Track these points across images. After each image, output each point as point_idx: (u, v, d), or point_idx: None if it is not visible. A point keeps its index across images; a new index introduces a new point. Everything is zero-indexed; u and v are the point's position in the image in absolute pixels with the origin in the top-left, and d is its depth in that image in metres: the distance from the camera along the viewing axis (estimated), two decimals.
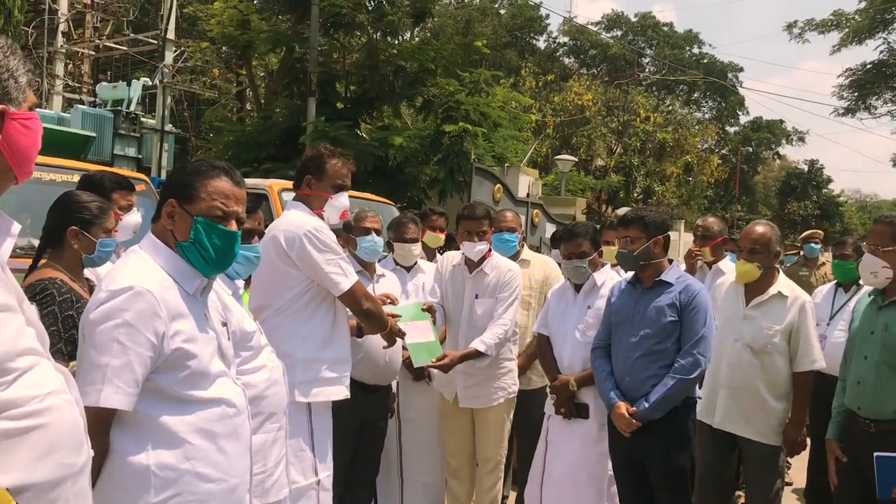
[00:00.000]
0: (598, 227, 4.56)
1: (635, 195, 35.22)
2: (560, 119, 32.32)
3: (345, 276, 3.32)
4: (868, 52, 37.86)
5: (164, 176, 14.38)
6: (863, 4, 21.40)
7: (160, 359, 2.00)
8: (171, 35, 14.92)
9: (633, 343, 3.70)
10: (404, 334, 3.82)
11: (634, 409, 3.63)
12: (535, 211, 13.30)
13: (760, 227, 4.02)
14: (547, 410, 4.14)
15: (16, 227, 1.53)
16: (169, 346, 2.00)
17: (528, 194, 13.46)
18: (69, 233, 2.70)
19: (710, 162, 39.22)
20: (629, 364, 3.70)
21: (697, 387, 3.82)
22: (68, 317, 2.48)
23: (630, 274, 3.90)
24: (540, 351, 4.28)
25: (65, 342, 2.48)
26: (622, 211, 5.12)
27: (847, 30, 21.74)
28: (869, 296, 3.52)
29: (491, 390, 4.32)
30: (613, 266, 4.87)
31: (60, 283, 2.55)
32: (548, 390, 4.15)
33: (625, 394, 3.70)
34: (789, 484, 4.83)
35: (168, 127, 15.24)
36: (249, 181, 7.97)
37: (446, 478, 4.61)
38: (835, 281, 5.31)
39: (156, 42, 15.29)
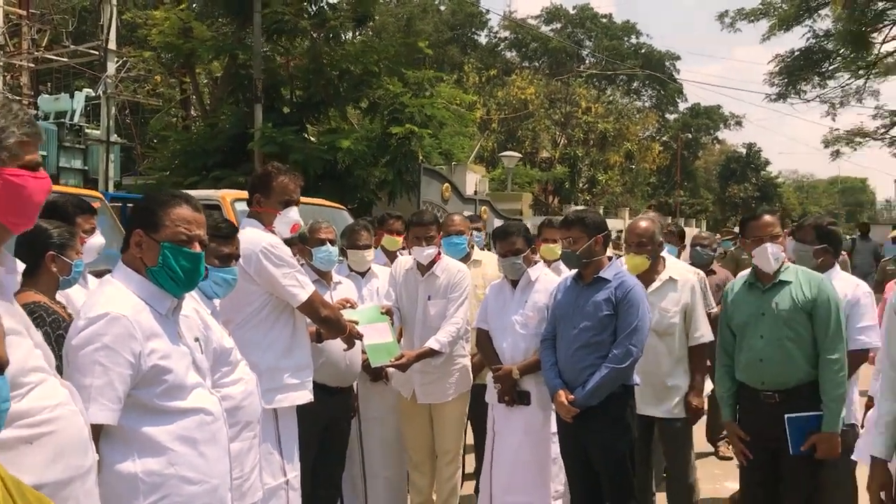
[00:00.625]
0: (530, 224, 4.86)
1: (580, 185, 35.86)
2: (504, 114, 32.71)
3: (301, 288, 3.54)
4: (797, 39, 39.09)
5: (111, 188, 14.30)
6: None
7: (139, 376, 2.20)
8: (111, 45, 14.79)
9: (574, 335, 3.96)
10: (362, 337, 4.05)
11: (573, 396, 3.90)
12: (483, 207, 13.58)
13: (644, 223, 4.41)
14: (489, 400, 4.39)
15: (20, 266, 1.74)
16: (146, 364, 2.21)
17: (475, 191, 13.74)
18: (47, 257, 2.86)
19: (652, 149, 40.09)
20: (570, 355, 3.97)
21: (636, 375, 4.12)
22: (60, 336, 2.66)
23: (572, 271, 4.20)
24: (480, 345, 4.54)
25: (60, 359, 2.65)
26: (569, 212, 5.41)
27: (775, 19, 22.50)
28: (745, 283, 3.86)
29: (446, 386, 4.57)
30: (555, 262, 5.18)
31: (46, 306, 2.72)
32: (491, 380, 4.40)
33: (566, 383, 3.96)
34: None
35: (113, 137, 15.12)
36: (202, 192, 8.10)
37: (408, 471, 4.84)
38: None
39: (97, 53, 15.15)
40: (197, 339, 2.45)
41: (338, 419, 4.50)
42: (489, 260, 5.26)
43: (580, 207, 4.56)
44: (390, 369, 4.54)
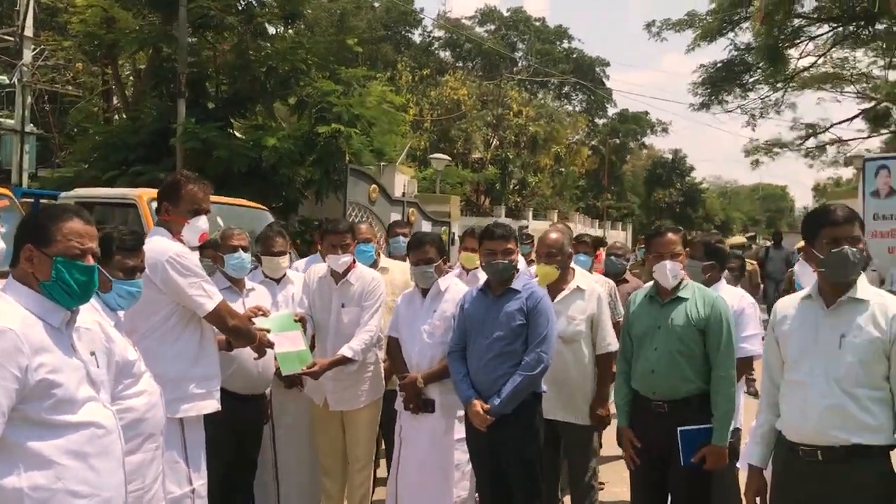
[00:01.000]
0: (458, 226, 4.93)
1: (511, 187, 36.24)
2: (437, 114, 32.81)
3: (208, 298, 3.53)
4: (720, 50, 40.35)
5: (26, 180, 13.83)
6: (713, 6, 22.90)
7: (25, 390, 2.17)
8: (28, 31, 14.28)
9: (487, 345, 4.05)
10: (273, 345, 4.05)
11: (488, 406, 3.99)
12: (412, 209, 13.61)
13: (554, 234, 4.58)
14: (397, 407, 4.46)
15: None
16: (33, 378, 2.18)
17: (403, 193, 13.75)
18: None
19: (581, 153, 40.79)
20: (483, 365, 4.05)
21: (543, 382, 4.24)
22: None
23: (480, 282, 4.29)
24: (390, 352, 4.61)
25: None
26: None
27: (699, 30, 23.18)
28: (646, 296, 4.03)
29: (358, 393, 4.61)
30: (473, 270, 5.27)
31: None
32: (398, 388, 4.47)
33: (480, 392, 4.04)
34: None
35: (29, 127, 14.62)
36: (118, 191, 7.95)
37: (320, 477, 4.85)
38: None
39: (13, 39, 14.60)
40: (93, 353, 2.42)
41: (250, 426, 4.50)
42: (396, 267, 5.31)
43: (501, 219, 4.64)
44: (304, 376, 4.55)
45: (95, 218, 7.70)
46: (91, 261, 2.35)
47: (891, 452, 2.88)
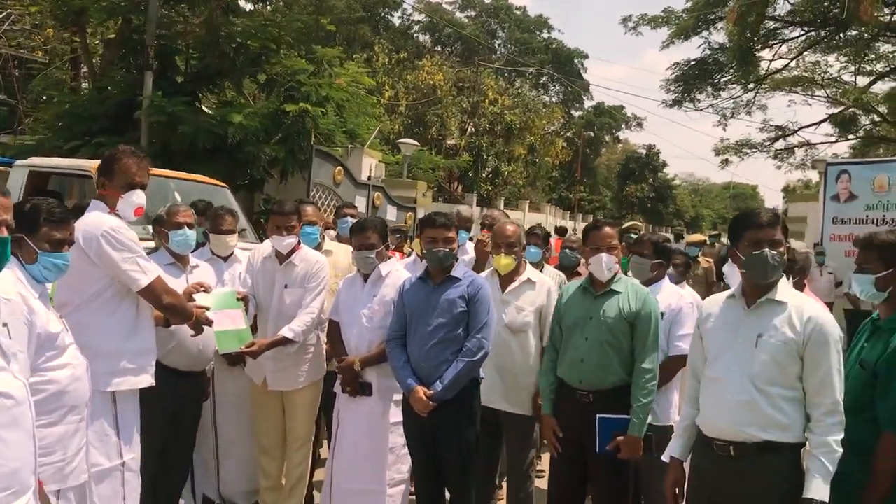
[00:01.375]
0: (423, 212, 4.98)
1: (484, 175, 36.30)
2: (412, 98, 32.72)
3: (143, 273, 3.53)
4: (694, 48, 40.60)
5: None
6: (689, 4, 23.04)
7: None
8: None
9: (428, 332, 4.10)
10: (211, 323, 4.06)
11: (431, 391, 4.05)
12: (377, 194, 13.59)
13: (511, 227, 4.65)
14: (336, 390, 4.52)
15: None
16: None
17: (369, 177, 13.71)
18: None
19: (556, 144, 40.91)
20: (425, 352, 4.11)
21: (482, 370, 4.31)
22: None
23: (420, 270, 4.35)
24: (330, 335, 4.65)
25: None
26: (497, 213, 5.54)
27: (675, 27, 23.31)
28: (580, 287, 4.12)
29: (298, 374, 4.65)
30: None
31: None
32: (336, 371, 4.52)
33: (421, 379, 4.10)
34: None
35: None
36: (74, 162, 7.87)
37: (259, 456, 4.88)
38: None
39: None
40: (5, 324, 2.42)
41: (188, 403, 4.53)
42: (341, 250, 5.35)
43: (439, 211, 4.71)
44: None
45: (51, 187, 7.66)
46: (4, 232, 2.34)
47: (801, 450, 2.97)
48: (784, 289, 3.04)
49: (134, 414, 3.68)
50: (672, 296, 4.55)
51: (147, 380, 3.70)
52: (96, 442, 3.43)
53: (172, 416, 4.37)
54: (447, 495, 4.29)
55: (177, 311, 3.75)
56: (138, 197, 3.60)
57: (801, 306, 2.97)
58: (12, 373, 2.36)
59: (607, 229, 4.09)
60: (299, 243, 4.67)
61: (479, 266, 5.10)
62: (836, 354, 2.90)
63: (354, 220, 5.22)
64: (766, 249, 2.96)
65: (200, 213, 5.14)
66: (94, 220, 3.50)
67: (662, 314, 4.20)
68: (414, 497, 4.48)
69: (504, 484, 5.14)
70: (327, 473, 4.50)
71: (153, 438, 3.98)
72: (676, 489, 3.27)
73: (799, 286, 4.00)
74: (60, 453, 2.89)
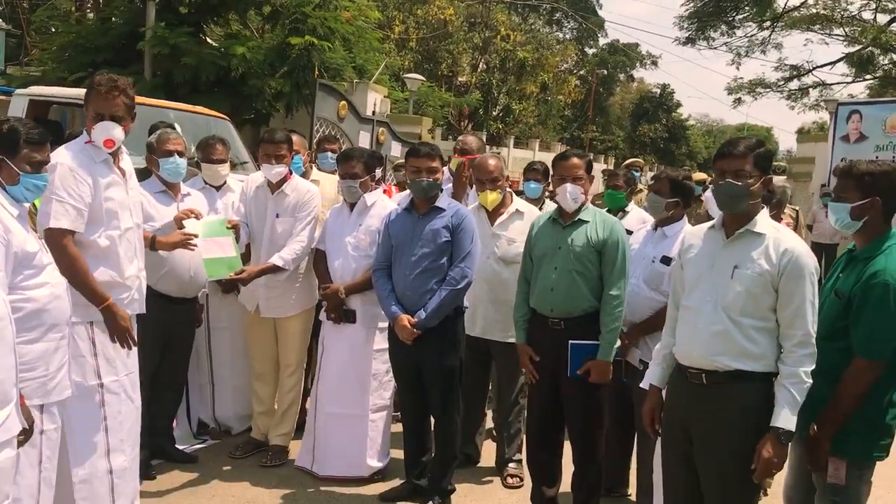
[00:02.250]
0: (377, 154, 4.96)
1: (495, 113, 35.96)
2: (423, 32, 32.22)
3: (48, 216, 3.35)
4: None
5: None
6: None
7: None
8: None
9: (413, 262, 4.17)
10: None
11: (415, 319, 4.12)
12: (381, 129, 13.50)
13: (493, 160, 4.63)
14: (321, 317, 4.60)
15: None
16: None
17: (374, 112, 13.61)
18: None
19: (568, 83, 40.36)
20: (409, 281, 4.17)
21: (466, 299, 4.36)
22: None
23: (405, 202, 4.38)
24: (315, 264, 4.72)
25: None
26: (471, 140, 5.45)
27: None
28: (549, 218, 4.14)
29: (289, 301, 4.73)
30: None
31: None
32: (320, 297, 4.60)
33: (406, 308, 4.17)
34: None
35: None
36: (74, 91, 7.84)
37: (252, 381, 5.01)
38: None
39: None
40: None
41: (180, 329, 4.62)
42: (327, 180, 5.37)
43: (425, 142, 4.74)
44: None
45: (51, 117, 7.66)
46: None
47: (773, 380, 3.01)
48: (763, 221, 3.04)
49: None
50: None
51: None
52: (74, 364, 3.36)
53: (165, 341, 4.47)
54: (432, 421, 4.40)
55: (68, 274, 3.32)
56: (104, 129, 3.46)
57: (779, 238, 2.97)
58: None
59: (574, 160, 4.08)
60: (290, 173, 4.69)
61: (457, 194, 5.07)
62: (811, 287, 2.91)
63: (335, 155, 5.21)
64: (729, 180, 2.97)
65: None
66: (57, 153, 3.42)
67: (671, 259, 4.05)
68: (400, 422, 4.60)
69: (491, 410, 5.26)
70: (312, 397, 4.62)
71: (146, 362, 4.04)
72: (654, 415, 3.33)
73: (776, 219, 3.96)
74: (42, 369, 2.95)
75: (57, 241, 3.34)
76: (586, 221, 4.01)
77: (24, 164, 2.92)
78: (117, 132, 3.49)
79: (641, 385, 3.60)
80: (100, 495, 3.55)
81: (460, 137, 5.72)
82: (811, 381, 2.87)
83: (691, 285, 3.14)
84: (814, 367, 2.89)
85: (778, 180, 9.74)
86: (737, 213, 3.01)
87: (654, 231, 4.32)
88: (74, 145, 3.54)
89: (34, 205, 3.48)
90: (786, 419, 2.86)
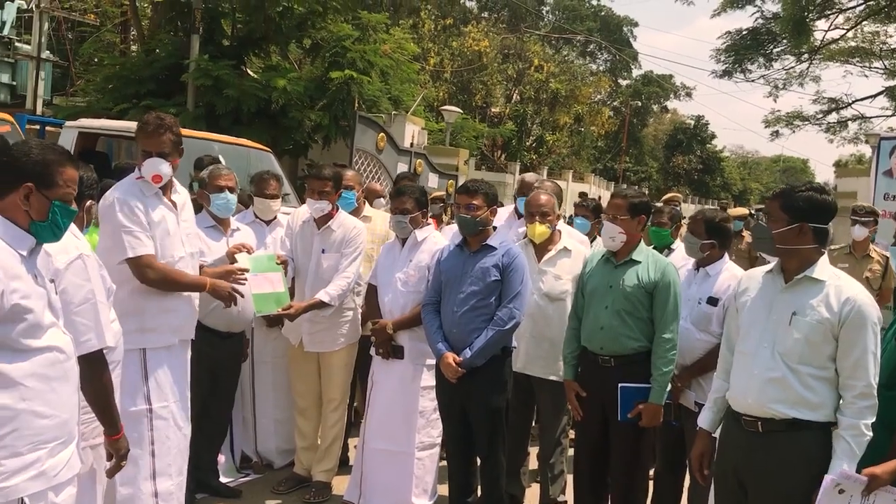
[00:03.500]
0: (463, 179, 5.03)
1: (528, 143, 36.03)
2: (457, 64, 32.48)
3: (123, 248, 3.58)
4: (746, 17, 39.45)
5: (40, 107, 13.92)
6: None
7: (0, 313, 2.28)
8: None
9: (461, 299, 4.15)
10: (233, 296, 4.03)
11: (460, 358, 4.11)
12: (419, 161, 13.59)
13: (544, 196, 4.63)
14: (371, 352, 4.61)
15: None
16: (8, 303, 2.27)
17: (412, 144, 13.71)
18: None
19: (602, 114, 40.37)
20: (457, 318, 4.16)
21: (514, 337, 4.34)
22: None
23: (457, 239, 4.39)
24: (367, 299, 4.75)
25: None
26: (530, 176, 5.54)
27: None
28: (602, 257, 4.16)
29: (334, 336, 4.74)
30: None
31: None
32: (370, 332, 4.61)
33: (452, 345, 4.16)
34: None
35: (45, 54, 14.65)
36: (121, 123, 8.02)
37: (295, 416, 5.01)
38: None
39: None
40: (52, 280, 2.52)
41: (227, 363, 4.65)
42: (378, 217, 5.40)
43: (476, 178, 4.79)
44: None
45: (99, 149, 7.86)
46: (75, 205, 2.50)
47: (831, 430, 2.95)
48: (823, 267, 2.99)
49: (166, 368, 3.75)
50: (732, 280, 4.14)
51: (169, 338, 3.75)
52: (124, 387, 3.50)
53: (212, 375, 4.49)
54: (478, 461, 4.36)
55: (162, 285, 3.71)
56: (151, 165, 3.64)
57: (840, 286, 2.91)
58: (61, 328, 2.46)
59: (616, 200, 4.12)
60: (336, 208, 4.72)
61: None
62: (873, 336, 2.85)
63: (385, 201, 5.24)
64: (761, 223, 3.01)
65: (201, 168, 5.13)
66: (111, 189, 3.67)
67: (717, 300, 4.07)
68: (445, 462, 4.56)
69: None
70: (361, 433, 4.61)
71: (193, 396, 4.08)
72: (703, 460, 3.28)
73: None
74: None
75: (143, 266, 3.61)
76: (638, 262, 4.01)
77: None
78: (164, 168, 3.65)
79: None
80: None
81: (519, 176, 5.81)
82: (871, 433, 2.81)
83: (747, 330, 3.09)
84: (874, 419, 2.83)
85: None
86: (771, 254, 3.02)
87: (695, 271, 4.29)
88: (126, 182, 3.71)
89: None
90: None
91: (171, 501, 3.73)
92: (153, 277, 3.65)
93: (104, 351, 2.73)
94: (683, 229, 8.01)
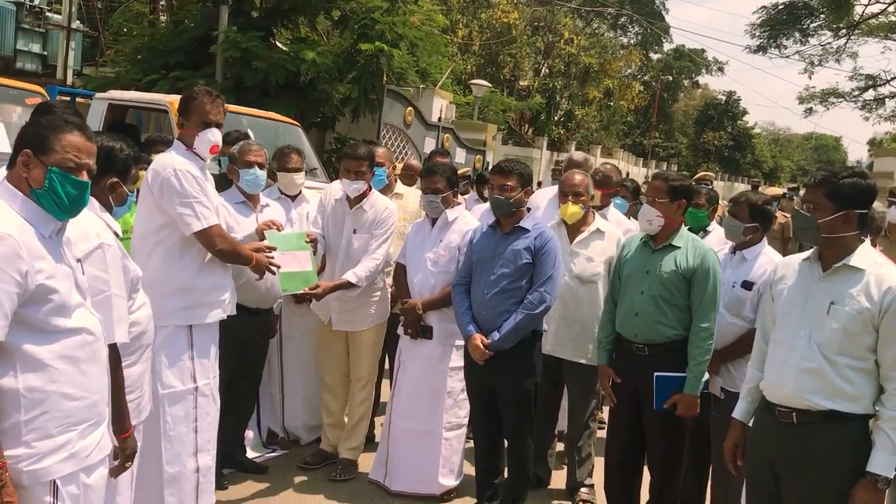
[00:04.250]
0: (493, 156, 4.95)
1: (556, 118, 35.66)
2: (486, 37, 32.14)
3: (195, 218, 3.60)
4: None
5: (70, 77, 13.95)
6: None
7: (25, 294, 2.24)
8: None
9: (492, 281, 4.10)
10: (273, 271, 4.08)
11: (488, 340, 4.06)
12: (446, 136, 13.50)
13: (579, 176, 4.57)
14: (399, 332, 4.59)
15: None
16: (33, 283, 2.25)
17: (440, 118, 13.60)
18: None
19: (632, 88, 39.82)
20: (486, 300, 4.11)
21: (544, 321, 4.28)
22: None
23: (491, 219, 4.32)
24: (396, 278, 4.71)
25: None
26: (578, 155, 5.47)
27: None
28: (641, 240, 4.06)
29: (363, 315, 4.72)
30: None
31: None
32: (399, 311, 4.58)
33: (481, 326, 4.12)
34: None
35: (75, 24, 14.64)
36: (151, 96, 8.01)
37: (322, 393, 5.01)
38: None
39: None
40: (79, 260, 2.49)
41: (256, 338, 4.66)
42: (411, 194, 5.34)
43: (510, 157, 4.71)
44: None
45: (128, 121, 7.87)
46: (85, 177, 2.37)
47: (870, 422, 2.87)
48: (863, 255, 2.89)
49: (210, 344, 3.84)
50: (769, 265, 4.04)
51: (219, 314, 3.83)
52: (171, 367, 3.62)
53: (240, 351, 4.49)
54: (505, 442, 4.33)
55: (229, 256, 3.80)
56: (213, 135, 3.68)
57: (881, 275, 2.81)
58: (89, 308, 2.44)
59: (656, 182, 4.03)
60: (370, 188, 4.67)
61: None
62: None
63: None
64: (800, 210, 2.93)
65: (231, 143, 5.12)
66: (164, 160, 3.63)
67: (752, 284, 3.97)
68: (472, 442, 4.55)
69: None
70: (387, 412, 4.60)
71: (222, 371, 4.09)
72: (736, 451, 3.22)
73: (871, 245, 3.79)
74: (138, 391, 3.01)
75: (214, 236, 3.66)
76: (677, 247, 3.91)
77: (133, 185, 3.00)
78: (220, 138, 3.71)
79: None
80: (186, 492, 3.69)
81: (564, 156, 5.74)
82: None
83: (783, 319, 3.01)
84: None
85: (875, 205, 9.11)
86: (817, 244, 2.92)
87: (732, 255, 4.19)
88: (176, 153, 3.70)
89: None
90: (884, 464, 2.72)
91: (210, 476, 3.81)
92: (223, 248, 3.72)
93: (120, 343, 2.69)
94: (720, 210, 7.91)
